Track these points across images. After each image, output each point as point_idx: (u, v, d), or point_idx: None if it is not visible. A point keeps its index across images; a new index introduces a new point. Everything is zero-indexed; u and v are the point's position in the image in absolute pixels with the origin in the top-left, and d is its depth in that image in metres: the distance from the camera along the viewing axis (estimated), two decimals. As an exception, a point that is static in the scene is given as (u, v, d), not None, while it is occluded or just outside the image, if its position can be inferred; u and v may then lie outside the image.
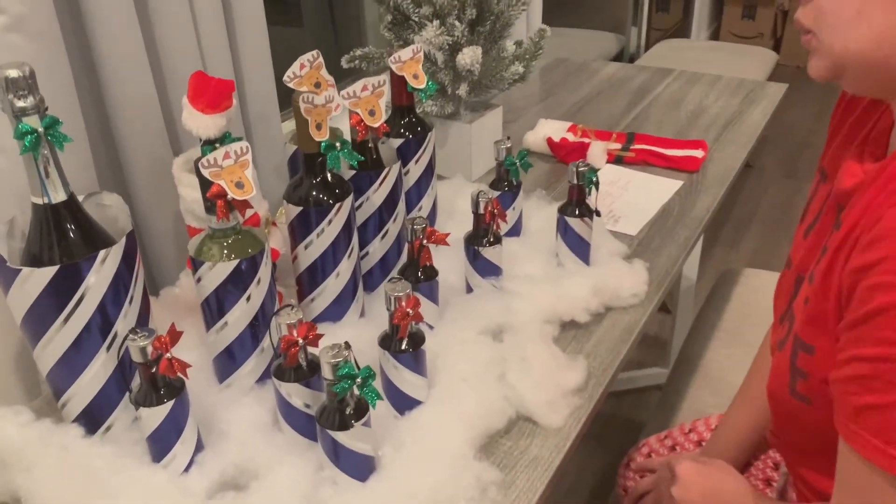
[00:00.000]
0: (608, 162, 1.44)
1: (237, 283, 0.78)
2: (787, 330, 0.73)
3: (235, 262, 0.77)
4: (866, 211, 0.59)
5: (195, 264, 0.78)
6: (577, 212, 1.04)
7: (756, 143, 1.51)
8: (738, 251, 2.68)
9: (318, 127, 0.81)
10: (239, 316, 0.80)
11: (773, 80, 1.86)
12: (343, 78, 1.30)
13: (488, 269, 0.99)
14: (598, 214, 1.06)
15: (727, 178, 1.35)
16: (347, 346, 0.69)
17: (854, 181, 0.67)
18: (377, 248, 0.97)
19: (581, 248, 1.06)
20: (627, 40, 3.27)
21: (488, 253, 0.98)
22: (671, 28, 3.96)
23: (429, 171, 1.05)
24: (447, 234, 0.89)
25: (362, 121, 0.88)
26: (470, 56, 1.19)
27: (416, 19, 1.25)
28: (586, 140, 1.46)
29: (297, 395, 0.75)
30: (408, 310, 0.77)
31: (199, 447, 0.77)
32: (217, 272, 0.77)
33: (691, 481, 0.84)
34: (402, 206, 0.98)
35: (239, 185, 0.73)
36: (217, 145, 0.83)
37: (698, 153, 1.41)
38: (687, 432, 1.15)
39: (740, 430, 1.00)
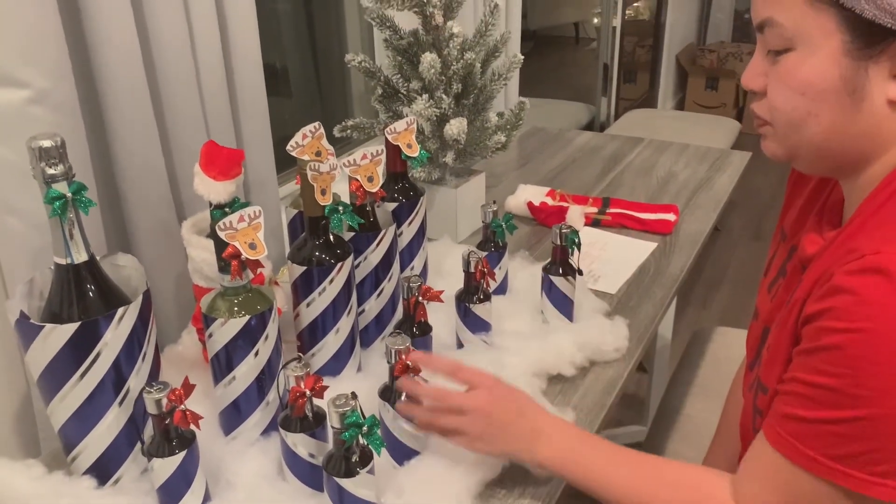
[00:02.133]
0: (586, 225, 1.51)
1: (247, 338, 0.82)
2: (755, 375, 0.81)
3: (246, 318, 0.81)
4: (823, 271, 0.67)
5: (207, 321, 0.82)
6: (560, 271, 1.10)
7: (724, 207, 1.61)
8: (709, 310, 2.76)
9: (323, 192, 0.87)
10: (247, 370, 0.84)
11: (737, 148, 1.98)
12: (332, 145, 1.37)
13: (479, 325, 1.05)
14: (581, 273, 1.13)
15: (698, 240, 1.43)
16: (354, 395, 0.73)
17: (815, 248, 0.75)
18: (373, 305, 1.02)
19: (565, 306, 1.12)
20: (598, 110, 3.42)
21: (479, 310, 1.04)
22: (638, 98, 4.15)
23: (420, 233, 1.11)
24: (441, 291, 0.94)
25: (361, 186, 0.95)
26: (457, 127, 1.27)
27: (405, 92, 1.34)
28: (565, 204, 1.54)
29: (302, 444, 0.79)
30: (407, 363, 0.82)
31: (207, 497, 0.80)
32: (228, 328, 0.81)
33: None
34: (396, 265, 1.04)
35: (252, 246, 0.78)
36: (227, 210, 0.89)
37: (671, 217, 1.50)
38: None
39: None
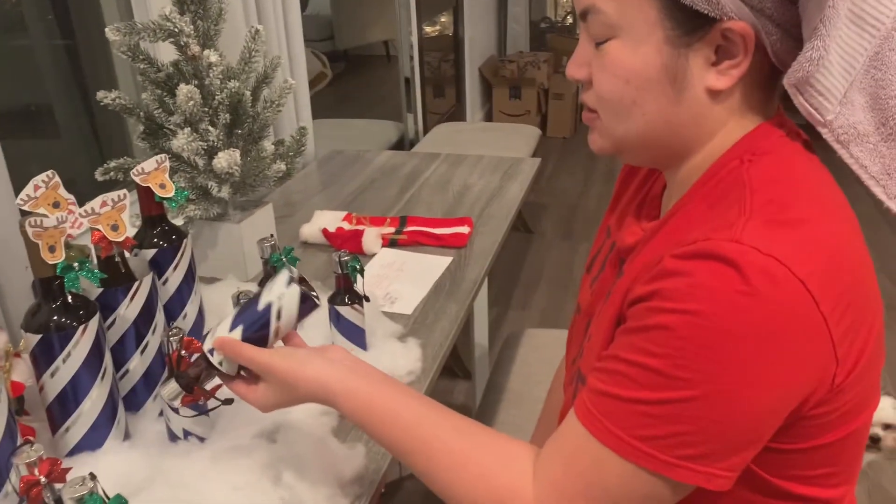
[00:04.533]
0: (383, 246, 1.50)
1: (-34, 427, 0.72)
2: (576, 368, 0.79)
3: (-39, 404, 0.71)
4: (648, 259, 0.67)
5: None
6: (346, 300, 1.07)
7: (534, 209, 1.65)
8: (529, 311, 2.85)
9: (52, 249, 0.78)
10: (-28, 463, 0.73)
11: (541, 153, 2.05)
12: (107, 190, 1.26)
13: (261, 369, 0.99)
14: (368, 300, 1.10)
15: (492, 250, 1.46)
16: (93, 476, 0.65)
17: (634, 238, 0.76)
18: (138, 364, 0.93)
19: (356, 335, 1.09)
20: (406, 127, 3.45)
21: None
22: (447, 112, 4.24)
23: (189, 277, 1.04)
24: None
25: (104, 236, 0.86)
26: (226, 160, 1.20)
27: (170, 128, 1.25)
28: (361, 227, 1.52)
29: (46, 539, 0.70)
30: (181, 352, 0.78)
31: None
32: (-61, 419, 0.70)
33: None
34: (160, 316, 0.96)
35: (-44, 322, 0.68)
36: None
37: (464, 229, 1.51)
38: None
39: None
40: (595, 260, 0.90)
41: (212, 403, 0.82)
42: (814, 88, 0.63)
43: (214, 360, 0.78)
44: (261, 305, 0.78)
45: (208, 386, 0.81)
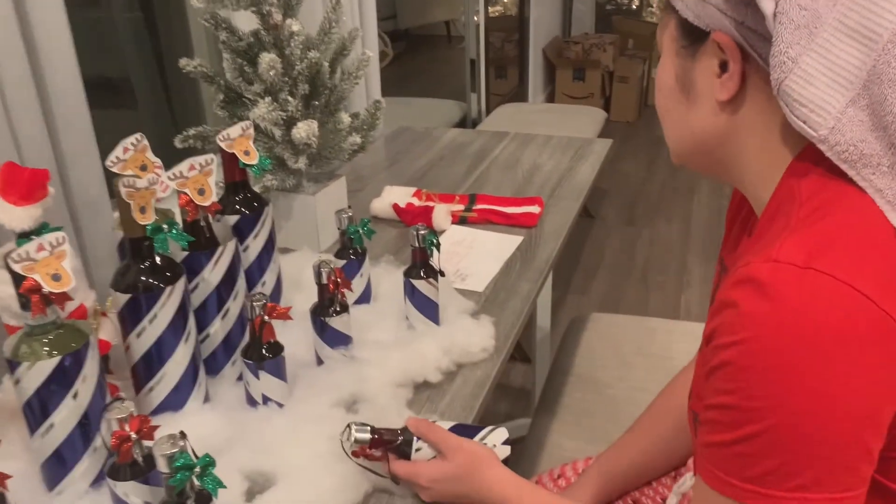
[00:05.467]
0: (453, 223, 1.48)
1: (61, 381, 0.73)
2: (691, 406, 0.78)
3: (57, 358, 0.72)
4: None
5: (11, 366, 0.72)
6: (421, 273, 1.06)
7: (595, 194, 1.62)
8: (588, 297, 2.82)
9: (143, 210, 0.79)
10: (66, 416, 0.75)
11: (605, 136, 2.01)
12: (184, 159, 1.28)
13: (337, 339, 0.99)
14: (443, 274, 1.09)
15: (563, 230, 1.43)
16: (183, 435, 0.66)
17: None
18: (218, 328, 0.94)
19: (429, 309, 1.08)
20: (469, 106, 3.43)
21: (336, 322, 0.98)
22: (509, 93, 4.20)
23: (269, 246, 1.04)
24: (289, 308, 0.88)
25: (191, 200, 0.87)
26: (305, 130, 1.20)
27: (250, 97, 1.26)
28: (431, 204, 1.51)
29: (135, 493, 0.71)
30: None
31: (27, 566, 0.71)
32: (37, 372, 0.72)
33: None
34: (241, 283, 0.96)
35: (56, 278, 0.69)
36: (33, 238, 0.79)
37: (535, 209, 1.49)
38: (556, 478, 1.17)
39: (631, 454, 1.04)
40: (714, 296, 0.88)
41: (378, 468, 0.85)
42: (793, 99, 0.60)
43: (416, 443, 0.85)
44: (478, 437, 0.89)
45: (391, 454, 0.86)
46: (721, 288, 0.61)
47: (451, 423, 0.89)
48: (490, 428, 0.91)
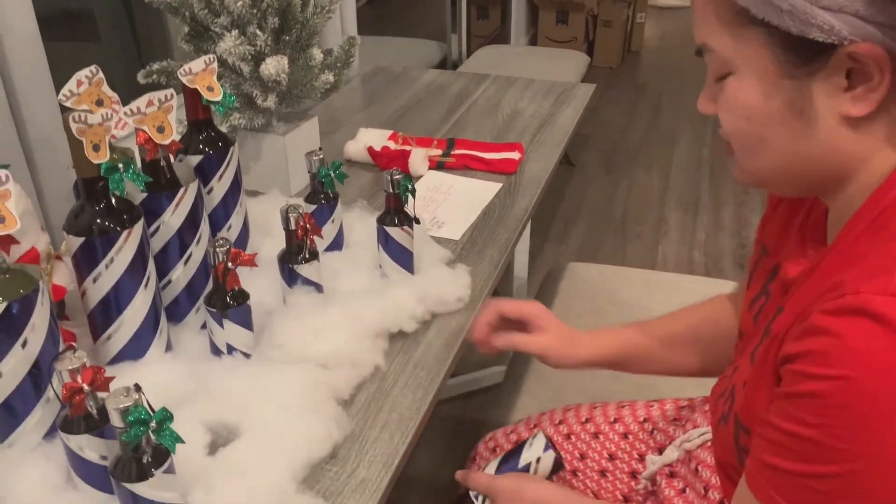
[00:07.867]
0: (430, 168, 1.44)
1: (8, 329, 0.69)
2: (729, 407, 0.74)
3: (3, 305, 0.68)
4: (805, 305, 0.61)
5: (-46, 312, 0.68)
6: (396, 220, 1.02)
7: (575, 141, 1.57)
8: (567, 245, 2.79)
9: (96, 148, 0.74)
10: (14, 365, 0.70)
11: (587, 82, 1.95)
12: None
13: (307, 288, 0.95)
14: (418, 222, 1.05)
15: (543, 178, 1.39)
16: (138, 388, 0.62)
17: (799, 269, 0.69)
18: (181, 274, 0.90)
19: (404, 258, 1.04)
20: (449, 48, 3.33)
21: (304, 270, 0.94)
22: (491, 34, 4.09)
23: (235, 188, 0.99)
24: (254, 255, 0.84)
25: (150, 138, 0.81)
26: (274, 66, 1.14)
27: (217, 30, 1.18)
28: (407, 148, 1.45)
29: (89, 447, 0.68)
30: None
31: (-25, 521, 0.68)
32: (-19, 319, 0.67)
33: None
34: (205, 226, 0.92)
35: (-2, 219, 0.64)
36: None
37: (515, 155, 1.44)
38: (532, 427, 1.15)
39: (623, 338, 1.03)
40: (753, 277, 0.83)
41: None
42: None
43: (477, 501, 0.93)
44: (521, 464, 0.94)
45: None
46: (817, 312, 0.57)
47: (497, 461, 0.96)
48: (528, 441, 0.95)
